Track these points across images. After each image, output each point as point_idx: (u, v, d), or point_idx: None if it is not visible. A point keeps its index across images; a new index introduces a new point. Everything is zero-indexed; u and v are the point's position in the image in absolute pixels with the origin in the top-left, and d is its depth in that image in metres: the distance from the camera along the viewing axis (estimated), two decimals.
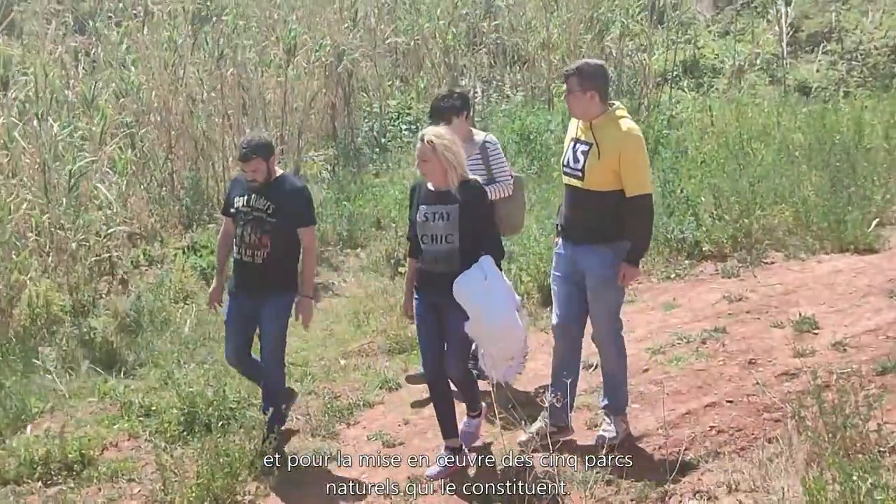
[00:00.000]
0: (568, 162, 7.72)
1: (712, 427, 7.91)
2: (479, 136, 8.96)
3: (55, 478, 8.44)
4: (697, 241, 11.98)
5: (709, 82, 19.17)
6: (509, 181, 8.89)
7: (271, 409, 8.20)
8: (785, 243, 11.94)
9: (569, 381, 7.51)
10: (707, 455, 7.49)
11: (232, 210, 8.45)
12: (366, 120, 18.20)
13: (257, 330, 8.61)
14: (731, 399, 8.27)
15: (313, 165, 16.47)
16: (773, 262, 11.59)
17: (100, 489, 8.29)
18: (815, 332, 9.33)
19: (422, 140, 7.57)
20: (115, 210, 13.65)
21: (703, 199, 12.69)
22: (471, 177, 7.68)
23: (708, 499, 6.60)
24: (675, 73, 18.95)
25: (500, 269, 7.60)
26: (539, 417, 8.07)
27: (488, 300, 7.31)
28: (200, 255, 13.09)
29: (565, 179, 7.81)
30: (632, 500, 7.05)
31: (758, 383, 8.37)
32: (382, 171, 16.18)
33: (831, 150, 13.51)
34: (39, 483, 8.35)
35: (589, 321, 7.89)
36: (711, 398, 8.33)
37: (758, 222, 12.08)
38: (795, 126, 15.16)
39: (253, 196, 8.27)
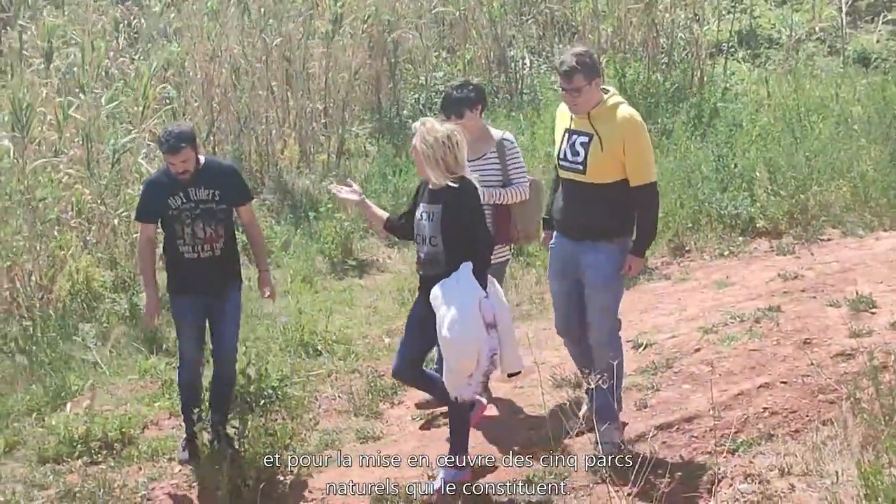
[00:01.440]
0: (565, 155, 7.48)
1: (765, 408, 7.89)
2: (496, 133, 8.50)
3: (95, 456, 8.52)
4: (752, 217, 11.92)
5: (765, 53, 18.96)
6: (526, 183, 8.43)
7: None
8: (842, 219, 11.86)
9: (615, 363, 7.16)
10: (760, 437, 7.47)
11: (172, 212, 7.97)
12: (411, 92, 18.16)
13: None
14: (784, 380, 8.24)
15: (357, 139, 16.50)
16: (829, 239, 11.53)
17: (140, 468, 8.38)
18: (873, 311, 9.22)
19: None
20: None
21: (758, 173, 12.61)
22: (466, 174, 7.35)
23: (759, 482, 6.56)
24: (731, 44, 18.76)
25: (484, 280, 7.26)
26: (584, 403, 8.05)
27: (450, 310, 7.07)
28: (243, 231, 13.10)
29: (563, 174, 7.57)
30: (682, 484, 7.01)
31: (813, 364, 8.31)
32: None
33: (891, 124, 13.33)
34: (79, 462, 8.44)
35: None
36: (765, 379, 8.29)
37: (814, 198, 11.99)
38: (854, 98, 15.01)
39: (190, 189, 7.94)
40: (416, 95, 17.89)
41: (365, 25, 17.31)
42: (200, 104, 15.71)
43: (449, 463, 7.59)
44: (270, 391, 8.88)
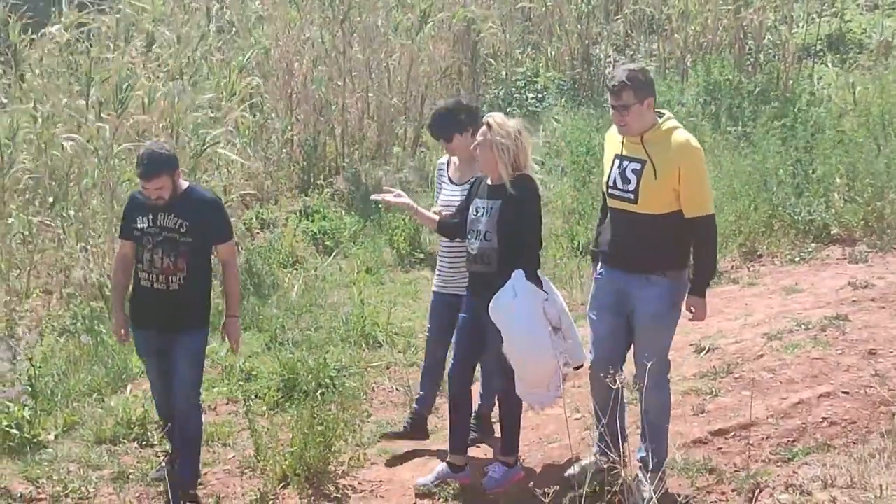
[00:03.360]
0: (615, 182, 6.86)
1: (825, 419, 7.76)
2: None
3: (151, 439, 8.56)
4: (826, 223, 11.76)
5: (854, 58, 18.65)
6: None
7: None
8: None
9: (662, 408, 6.94)
10: (816, 447, 7.35)
11: (136, 233, 7.41)
12: (492, 87, 18.11)
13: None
14: (846, 390, 8.10)
15: None
16: None
17: None
18: None
19: (484, 121, 7.20)
20: (232, 172, 13.86)
21: (837, 179, 12.43)
22: (531, 173, 7.18)
23: (801, 493, 6.46)
24: (819, 47, 18.51)
25: (539, 281, 7.10)
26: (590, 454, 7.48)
27: (513, 322, 6.90)
28: (312, 220, 13.23)
29: (612, 203, 6.96)
30: (733, 491, 6.95)
31: (876, 374, 8.19)
32: None
33: None
34: (135, 444, 8.54)
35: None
36: (826, 388, 8.16)
37: (891, 206, 11.80)
38: None
39: (160, 214, 7.34)
40: (497, 90, 17.84)
41: (452, 21, 17.33)
42: (281, 93, 15.80)
43: (501, 461, 7.59)
44: (327, 381, 8.97)
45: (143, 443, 8.53)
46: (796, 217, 11.79)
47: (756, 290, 10.64)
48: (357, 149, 15.69)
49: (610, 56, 18.70)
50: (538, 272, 7.21)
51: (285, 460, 7.79)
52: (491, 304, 6.97)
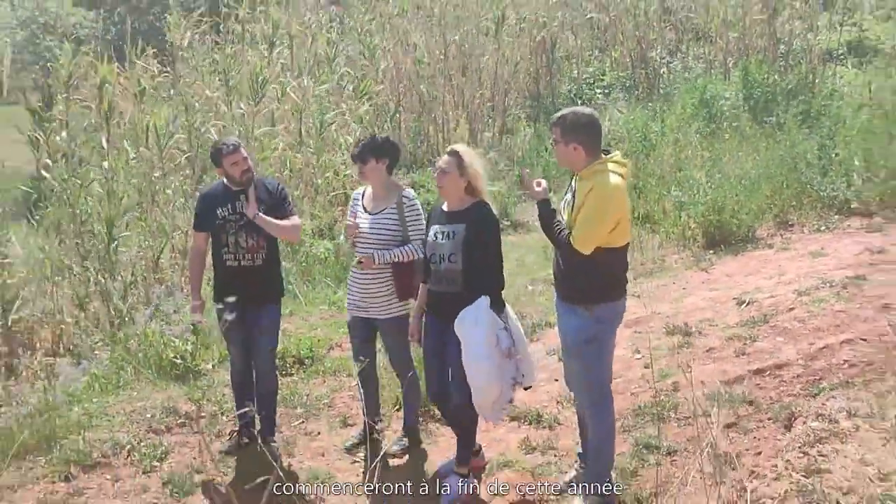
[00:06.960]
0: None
1: (846, 361, 7.64)
2: (395, 190, 7.16)
3: (290, 370, 8.77)
4: (847, 199, 11.62)
5: (870, 60, 18.41)
6: (419, 243, 6.91)
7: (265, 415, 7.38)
8: None
9: (599, 437, 6.24)
10: (838, 385, 7.28)
11: (218, 222, 7.17)
12: (565, 83, 18.14)
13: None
14: (864, 337, 7.96)
15: (518, 121, 16.57)
16: None
17: (324, 381, 8.57)
18: None
19: (448, 152, 6.61)
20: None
21: (856, 162, 12.27)
22: (487, 198, 6.56)
23: (829, 421, 6.41)
24: (840, 52, 18.29)
25: (501, 307, 6.43)
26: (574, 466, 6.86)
27: (470, 346, 6.28)
28: (419, 193, 13.29)
29: None
30: (769, 419, 6.91)
31: (890, 325, 8.07)
32: None
33: None
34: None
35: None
36: (847, 336, 8.03)
37: None
38: None
39: (237, 203, 7.13)
40: (570, 87, 17.86)
41: (524, 25, 17.40)
42: (391, 87, 15.94)
43: (456, 472, 6.84)
44: None
45: (283, 373, 8.60)
46: (822, 193, 11.66)
47: (788, 253, 10.53)
48: (453, 134, 15.79)
49: (664, 58, 18.60)
50: (502, 296, 6.54)
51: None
52: (457, 320, 6.32)
